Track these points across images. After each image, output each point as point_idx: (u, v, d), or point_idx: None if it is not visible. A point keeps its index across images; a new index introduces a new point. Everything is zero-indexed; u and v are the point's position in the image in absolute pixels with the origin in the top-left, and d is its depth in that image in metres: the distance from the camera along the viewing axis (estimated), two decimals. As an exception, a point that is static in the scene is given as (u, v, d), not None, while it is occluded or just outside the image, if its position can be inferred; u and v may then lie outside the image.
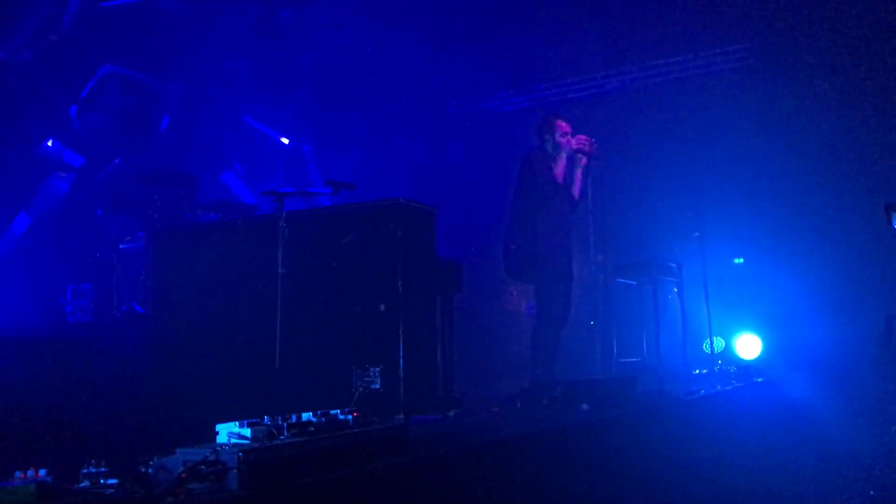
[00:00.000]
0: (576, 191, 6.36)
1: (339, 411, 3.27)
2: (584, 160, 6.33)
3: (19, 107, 8.72)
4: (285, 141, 10.32)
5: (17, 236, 8.55)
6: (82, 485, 2.70)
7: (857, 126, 8.17)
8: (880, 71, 8.16)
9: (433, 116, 10.35)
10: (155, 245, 6.44)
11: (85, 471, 2.73)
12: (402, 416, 4.44)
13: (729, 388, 6.77)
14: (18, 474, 2.61)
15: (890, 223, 2.88)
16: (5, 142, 8.30)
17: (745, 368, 7.47)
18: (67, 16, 9.01)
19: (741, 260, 8.69)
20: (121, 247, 7.98)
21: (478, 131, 10.36)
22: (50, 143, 8.91)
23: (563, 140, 6.32)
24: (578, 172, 6.34)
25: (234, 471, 2.60)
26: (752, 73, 8.98)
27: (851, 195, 7.78)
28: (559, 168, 6.21)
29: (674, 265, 7.26)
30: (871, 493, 5.71)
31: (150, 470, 2.69)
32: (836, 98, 8.30)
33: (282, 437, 2.91)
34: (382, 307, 5.05)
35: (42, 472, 2.62)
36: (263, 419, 2.97)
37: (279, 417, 3.01)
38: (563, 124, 6.36)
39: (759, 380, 7.34)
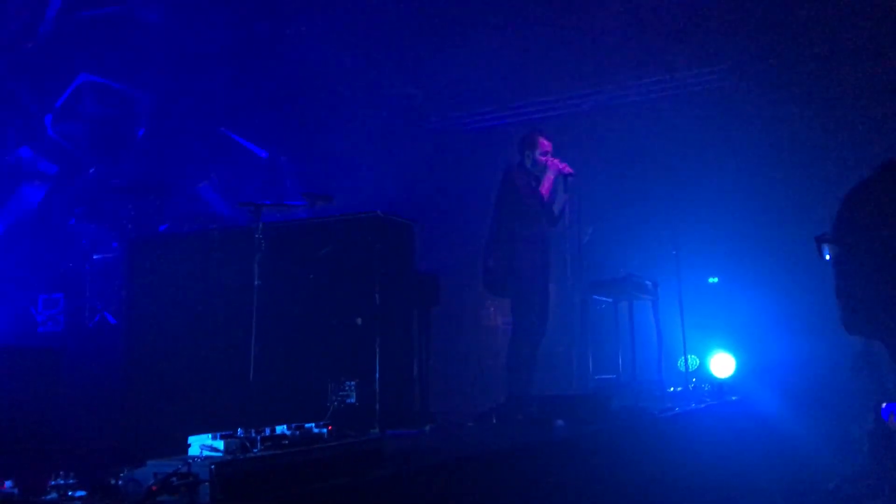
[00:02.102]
0: (556, 208, 6.39)
1: (313, 425, 3.23)
2: (565, 178, 6.36)
3: (-7, 115, 8.63)
4: (263, 153, 10.28)
5: (-11, 244, 8.43)
6: (49, 497, 2.65)
7: (831, 146, 8.27)
8: (853, 92, 8.28)
9: (412, 131, 10.36)
10: (129, 255, 6.37)
11: (53, 482, 2.68)
12: (377, 430, 4.42)
13: (703, 405, 6.79)
14: (-16, 486, 2.55)
15: (820, 255, 2.91)
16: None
17: (719, 386, 7.50)
18: (44, 24, 8.94)
19: (716, 279, 8.75)
20: (94, 257, 7.90)
21: (456, 146, 10.39)
22: (24, 152, 8.81)
23: (543, 158, 6.36)
24: (560, 190, 6.37)
25: (206, 483, 2.56)
26: (727, 94, 9.08)
27: (826, 215, 7.87)
28: (546, 185, 6.25)
29: (649, 283, 7.30)
30: None
31: (119, 482, 2.65)
32: (810, 118, 8.41)
33: (255, 451, 2.87)
34: (359, 321, 5.03)
35: (8, 484, 2.58)
36: (237, 432, 2.94)
37: (252, 430, 2.97)
38: (545, 142, 6.41)
39: (734, 398, 7.38)
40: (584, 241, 6.56)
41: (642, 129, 9.18)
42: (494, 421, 5.58)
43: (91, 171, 9.17)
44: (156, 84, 9.57)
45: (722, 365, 8.13)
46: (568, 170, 6.30)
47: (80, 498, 2.66)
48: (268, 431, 3.01)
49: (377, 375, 4.90)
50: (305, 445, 3.07)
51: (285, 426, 3.11)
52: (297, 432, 3.12)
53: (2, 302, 7.95)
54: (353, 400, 4.72)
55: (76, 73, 9.11)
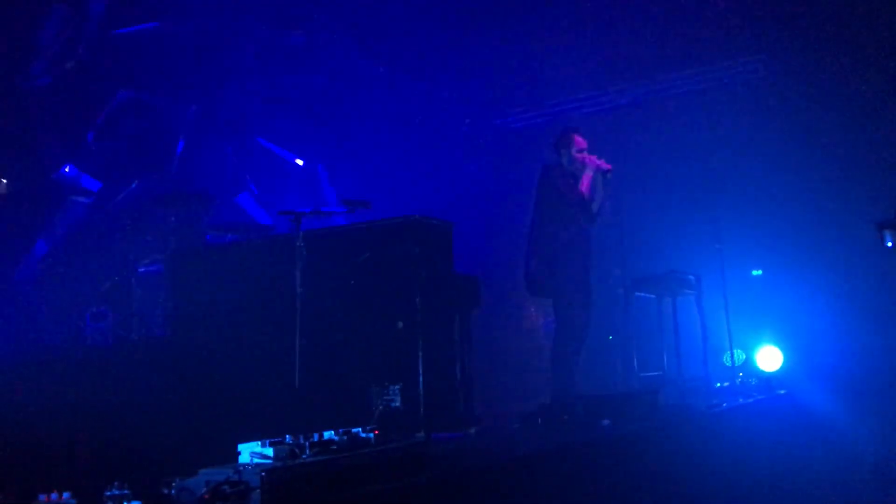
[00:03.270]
0: (596, 205, 6.34)
1: (360, 429, 3.25)
2: (604, 175, 6.31)
3: (37, 133, 8.82)
4: (300, 162, 10.37)
5: (37, 261, 8.61)
6: (105, 507, 2.70)
7: (877, 137, 8.11)
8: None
9: (448, 133, 10.37)
10: (172, 267, 6.47)
11: (108, 493, 2.73)
12: (422, 433, 4.43)
13: (751, 400, 6.70)
14: (42, 497, 2.61)
15: (882, 241, 2.85)
16: (24, 168, 8.38)
17: (767, 381, 7.38)
18: (83, 43, 9.12)
19: (759, 272, 8.62)
20: (139, 270, 8.02)
21: (492, 147, 10.37)
22: (67, 169, 8.99)
23: (579, 155, 6.32)
24: (599, 187, 6.33)
25: (257, 491, 2.58)
26: (768, 84, 8.94)
27: (872, 206, 7.72)
28: (585, 183, 6.20)
29: (692, 278, 7.21)
30: None
31: (172, 491, 2.69)
32: (854, 109, 8.25)
33: (304, 456, 2.89)
34: (400, 324, 5.04)
35: (66, 495, 2.62)
36: (285, 438, 2.96)
37: (301, 436, 3.00)
38: (580, 139, 6.37)
39: (782, 392, 7.26)
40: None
41: (683, 122, 9.08)
42: (540, 422, 5.55)
43: (133, 185, 9.33)
44: (194, 97, 9.71)
45: (769, 359, 8.00)
46: (606, 166, 6.25)
47: (134, 507, 2.71)
48: (316, 437, 3.04)
49: (420, 379, 4.91)
50: (353, 450, 3.10)
51: (332, 431, 3.14)
52: (345, 437, 3.15)
53: (51, 317, 8.11)
54: (397, 404, 4.73)
55: (116, 90, 9.27)
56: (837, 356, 7.68)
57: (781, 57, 8.82)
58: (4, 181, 5.94)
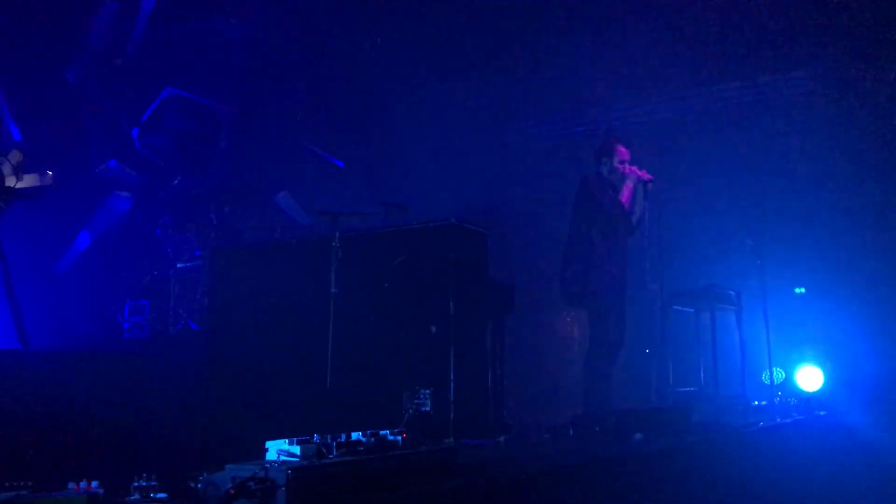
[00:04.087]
0: (635, 217, 6.26)
1: (388, 432, 3.23)
2: (645, 185, 6.24)
3: (84, 128, 8.98)
4: (339, 163, 10.41)
5: (79, 253, 8.75)
6: (132, 498, 2.71)
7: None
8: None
9: (487, 140, 10.34)
10: (212, 263, 6.52)
11: (136, 484, 2.75)
12: (451, 439, 4.39)
13: (789, 420, 6.55)
14: (71, 485, 2.63)
15: None
16: (69, 161, 8.53)
17: (807, 401, 7.22)
18: (132, 41, 9.28)
19: (803, 290, 8.45)
20: (178, 265, 8.11)
21: (533, 155, 10.32)
22: (112, 164, 9.13)
23: (620, 166, 6.25)
24: (639, 198, 6.25)
25: (283, 489, 2.57)
26: (812, 99, 8.78)
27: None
28: (625, 194, 6.13)
29: (732, 293, 7.09)
30: None
31: (199, 485, 2.69)
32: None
33: (331, 456, 2.88)
34: (433, 329, 5.02)
35: (94, 484, 2.64)
36: (313, 437, 2.95)
37: (328, 436, 2.98)
38: (623, 150, 6.30)
39: (822, 413, 7.09)
40: None
41: (725, 136, 8.96)
42: (571, 433, 5.48)
43: (175, 182, 9.45)
44: (237, 96, 9.81)
45: (809, 378, 7.83)
46: (647, 176, 6.17)
47: (161, 500, 2.72)
48: (343, 437, 3.02)
49: (451, 384, 4.87)
50: (380, 452, 3.07)
51: (360, 433, 3.12)
52: (373, 439, 3.12)
53: (90, 309, 8.24)
54: (427, 408, 4.70)
55: (162, 88, 9.40)
56: (881, 378, 7.49)
57: (829, 71, 8.66)
58: (50, 173, 6.04)
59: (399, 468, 3.07)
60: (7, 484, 2.55)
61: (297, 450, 2.82)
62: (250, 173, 9.72)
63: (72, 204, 8.48)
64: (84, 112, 9.00)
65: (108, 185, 9.00)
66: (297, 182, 10.11)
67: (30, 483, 2.58)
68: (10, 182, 5.69)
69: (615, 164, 6.26)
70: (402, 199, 5.92)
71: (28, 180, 6.09)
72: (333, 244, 5.08)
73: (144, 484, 2.74)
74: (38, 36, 8.47)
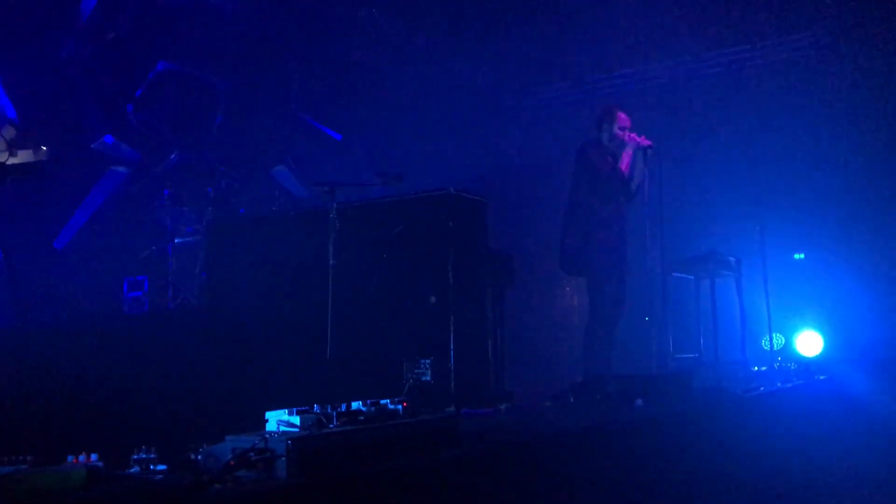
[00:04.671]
0: (635, 183, 6.23)
1: (388, 401, 3.22)
2: (645, 152, 6.19)
3: (79, 103, 8.90)
4: (337, 136, 10.35)
5: (76, 229, 8.73)
6: (132, 470, 2.71)
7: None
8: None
9: (486, 108, 10.28)
10: (209, 237, 6.51)
11: (135, 457, 2.74)
12: (452, 408, 4.39)
13: (789, 385, 6.56)
14: (70, 458, 2.62)
15: None
16: (65, 137, 8.47)
17: (807, 366, 7.24)
18: (125, 14, 9.17)
19: (802, 255, 8.44)
20: (176, 240, 8.09)
21: (530, 123, 10.26)
22: (108, 139, 9.06)
23: (620, 132, 6.20)
24: (639, 165, 6.21)
25: (283, 459, 2.56)
26: (812, 64, 8.71)
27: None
28: (625, 160, 6.09)
29: (732, 259, 7.07)
30: None
31: (198, 457, 2.69)
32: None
33: (331, 426, 2.87)
34: (433, 299, 5.01)
35: (93, 457, 2.64)
36: (313, 408, 2.94)
37: (328, 406, 2.97)
38: (624, 116, 6.25)
39: (822, 378, 7.11)
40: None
41: (725, 101, 8.91)
42: (572, 400, 5.49)
43: (172, 156, 9.39)
44: (233, 70, 9.72)
45: (809, 344, 7.85)
46: (646, 142, 6.13)
47: (160, 471, 2.71)
48: (343, 407, 3.01)
49: (452, 354, 4.87)
50: (381, 422, 3.06)
51: (361, 402, 3.11)
52: (373, 408, 3.11)
53: (89, 284, 8.22)
54: (428, 378, 4.70)
55: (156, 62, 9.32)
56: (881, 342, 7.50)
57: (828, 34, 8.58)
58: (45, 148, 6.01)
59: (400, 437, 3.06)
60: (6, 458, 2.54)
61: (297, 420, 2.81)
62: (247, 147, 9.67)
63: (68, 180, 8.44)
64: (78, 87, 8.92)
65: (104, 161, 8.95)
66: (294, 155, 10.06)
67: (29, 457, 2.57)
68: (4, 158, 5.66)
69: (615, 130, 6.22)
70: (400, 170, 5.88)
71: (22, 156, 6.06)
72: (331, 216, 5.05)
73: (144, 456, 2.74)
74: (30, 11, 8.38)
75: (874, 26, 8.24)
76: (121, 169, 9.11)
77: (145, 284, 7.80)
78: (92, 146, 8.91)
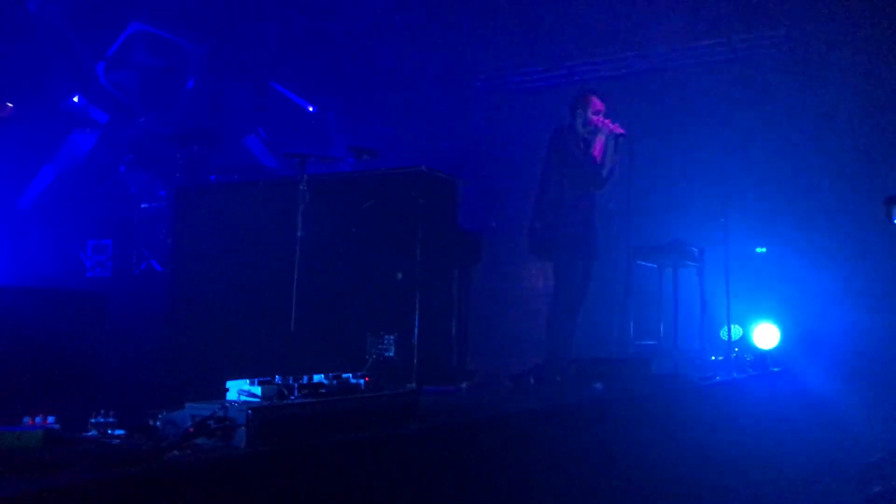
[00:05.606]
0: (606, 170, 6.27)
1: (351, 375, 3.24)
2: (616, 139, 6.22)
3: (47, 61, 8.72)
4: (310, 108, 10.28)
5: (41, 190, 8.59)
6: (90, 433, 2.70)
7: (887, 117, 8.01)
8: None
9: (461, 89, 10.25)
10: (176, 204, 6.45)
11: (93, 420, 2.74)
12: (414, 384, 4.43)
13: (745, 376, 6.70)
14: (27, 420, 2.61)
15: (889, 218, 2.80)
16: (32, 95, 8.31)
17: (762, 357, 7.38)
18: (97, -28, 8.99)
19: (764, 249, 8.56)
20: (142, 205, 8.01)
21: (504, 106, 10.26)
22: (76, 99, 8.91)
23: (594, 118, 6.22)
24: (610, 152, 6.24)
25: (243, 428, 2.58)
26: (779, 59, 8.81)
27: (877, 186, 7.64)
28: (598, 147, 6.12)
29: (695, 250, 7.17)
30: (876, 489, 5.65)
31: (157, 423, 2.69)
32: (866, 89, 8.13)
33: (292, 398, 2.88)
34: (399, 275, 5.02)
35: (50, 419, 2.63)
36: (275, 379, 2.95)
37: (290, 378, 2.99)
38: (598, 101, 6.26)
39: (776, 369, 7.26)
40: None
41: (694, 93, 8.97)
42: (532, 382, 5.55)
43: (141, 120, 9.26)
44: (206, 36, 9.59)
45: (766, 335, 7.99)
46: (619, 130, 6.16)
47: (118, 436, 2.71)
48: (305, 379, 3.03)
49: (416, 331, 4.90)
50: (342, 395, 3.09)
51: (323, 375, 3.13)
52: (335, 382, 3.13)
53: (52, 246, 8.11)
54: (391, 354, 4.73)
55: (128, 22, 9.16)
56: (837, 336, 7.67)
57: (799, 33, 8.68)
58: (10, 105, 5.88)
59: (361, 411, 3.09)
60: (-37, 417, 2.53)
61: (258, 390, 2.82)
62: (219, 114, 9.56)
63: (34, 138, 8.29)
64: (47, 45, 8.74)
65: (72, 121, 8.80)
66: (266, 124, 9.97)
67: (-15, 417, 2.56)
68: (-32, 113, 5.55)
69: (589, 114, 6.22)
70: (374, 146, 5.86)
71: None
72: (301, 187, 5.03)
73: (102, 420, 2.73)
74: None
75: (841, 22, 8.35)
76: (88, 130, 8.97)
77: (109, 248, 7.72)
78: (60, 105, 8.77)
